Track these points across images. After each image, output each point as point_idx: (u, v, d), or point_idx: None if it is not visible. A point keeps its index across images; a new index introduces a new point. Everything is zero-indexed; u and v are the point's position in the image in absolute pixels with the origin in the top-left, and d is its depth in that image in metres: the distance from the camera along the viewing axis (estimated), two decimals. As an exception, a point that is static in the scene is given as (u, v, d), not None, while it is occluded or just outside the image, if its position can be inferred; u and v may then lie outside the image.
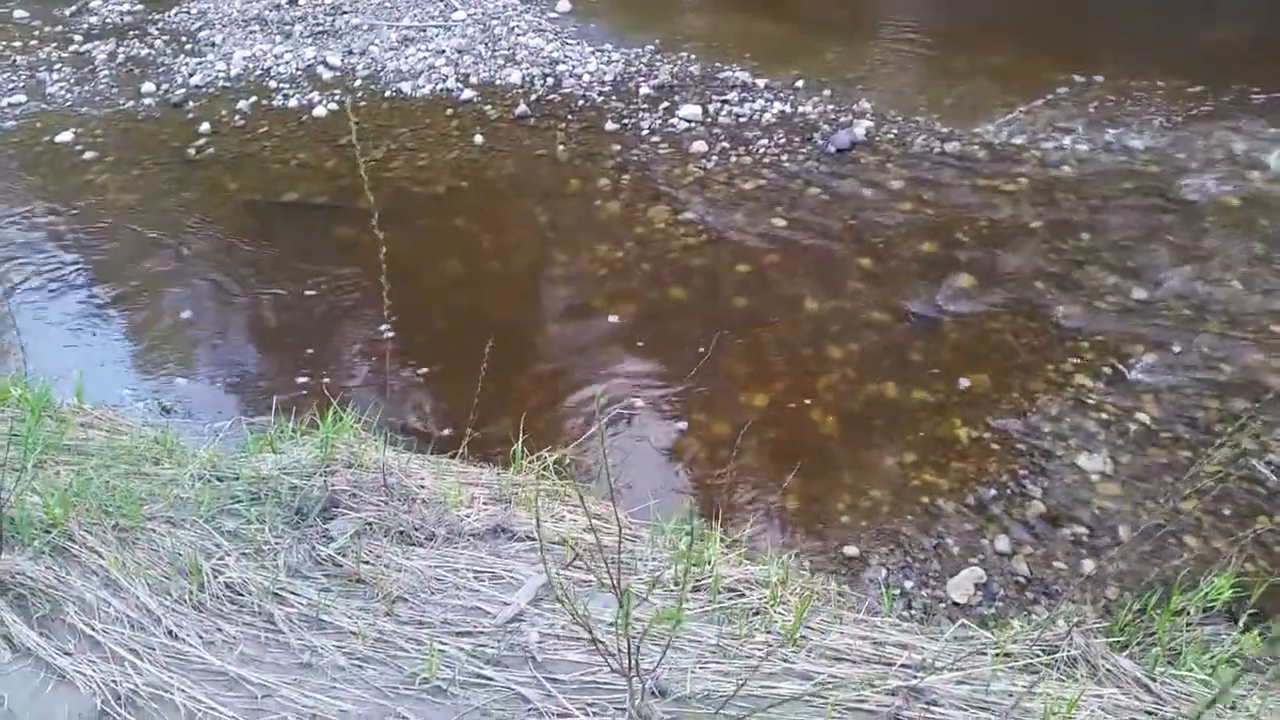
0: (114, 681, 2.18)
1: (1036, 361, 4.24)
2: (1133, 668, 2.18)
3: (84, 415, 3.44)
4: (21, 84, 7.56)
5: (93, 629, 2.33)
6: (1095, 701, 2.07)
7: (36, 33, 8.64)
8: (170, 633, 2.33)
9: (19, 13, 9.12)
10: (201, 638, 2.32)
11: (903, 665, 2.20)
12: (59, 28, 8.77)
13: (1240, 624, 2.29)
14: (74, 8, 9.20)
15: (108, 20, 8.93)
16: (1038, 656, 2.21)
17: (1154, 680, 2.15)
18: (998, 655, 2.22)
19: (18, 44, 8.38)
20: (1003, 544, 3.36)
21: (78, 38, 8.46)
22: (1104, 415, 3.92)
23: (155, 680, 2.19)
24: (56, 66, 7.87)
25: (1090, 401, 4.00)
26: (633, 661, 1.91)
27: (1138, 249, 4.98)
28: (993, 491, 3.59)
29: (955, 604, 3.08)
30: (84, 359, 4.26)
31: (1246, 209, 5.26)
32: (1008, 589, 3.17)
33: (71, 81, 7.57)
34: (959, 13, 8.52)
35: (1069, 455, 3.73)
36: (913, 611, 3.06)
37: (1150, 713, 2.07)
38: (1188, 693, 2.13)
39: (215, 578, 2.46)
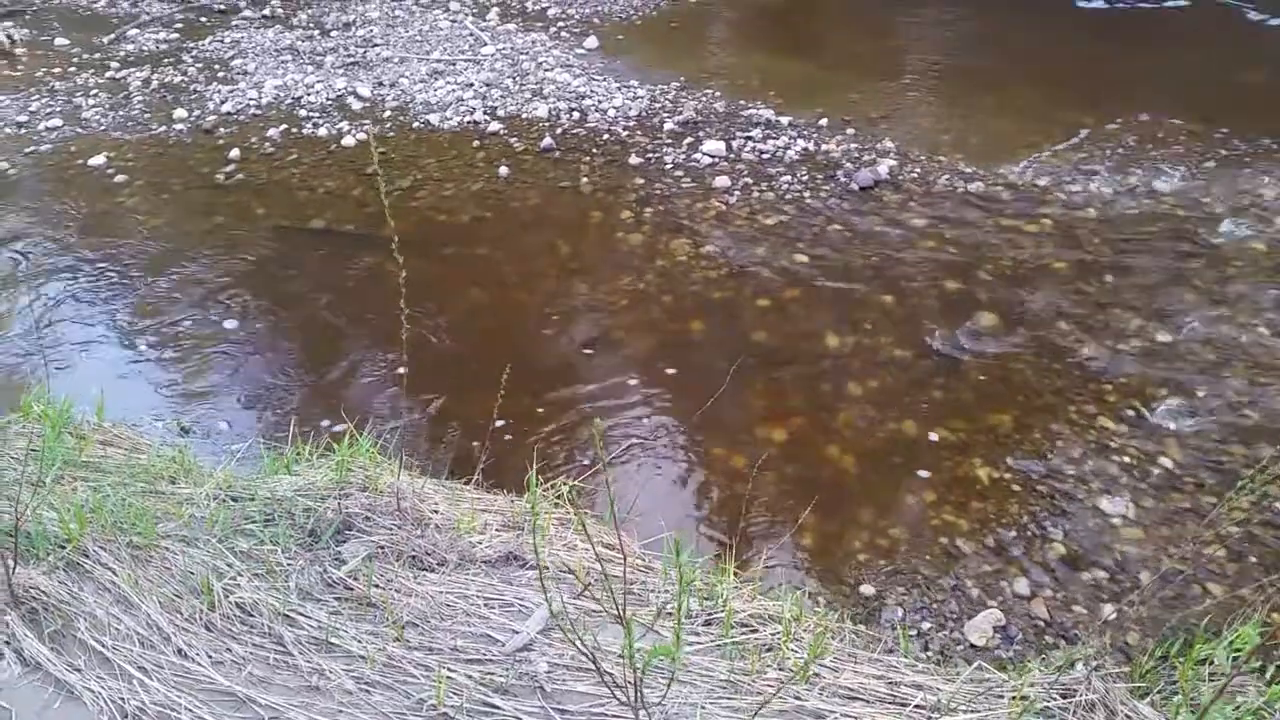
0: (122, 699, 2.18)
1: (1059, 403, 4.20)
2: (1153, 715, 2.13)
3: (103, 433, 3.47)
4: (59, 109, 7.71)
5: (103, 645, 2.33)
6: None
7: (75, 60, 8.83)
8: (180, 651, 2.33)
9: (59, 40, 9.33)
10: (211, 657, 2.32)
11: (917, 706, 2.16)
12: (97, 55, 8.96)
13: (1267, 675, 2.24)
14: (112, 35, 9.41)
15: (144, 48, 9.11)
16: (1055, 700, 2.16)
17: (1176, 729, 2.10)
18: (1014, 699, 2.17)
19: (57, 70, 8.56)
20: (1022, 586, 3.31)
21: (114, 64, 8.64)
22: (1126, 458, 3.87)
23: (163, 699, 2.19)
24: (93, 92, 8.03)
25: (1113, 444, 3.95)
26: (639, 694, 1.89)
27: (1162, 292, 4.94)
28: (1013, 533, 3.54)
29: (973, 646, 3.03)
30: (106, 378, 4.29)
31: (1273, 254, 5.21)
32: (1026, 632, 3.12)
33: (106, 107, 7.72)
34: (983, 53, 8.56)
35: (1090, 498, 3.68)
36: (929, 652, 3.01)
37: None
38: (1211, 744, 2.08)
39: (226, 597, 2.46)
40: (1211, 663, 2.23)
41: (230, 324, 4.97)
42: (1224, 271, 5.08)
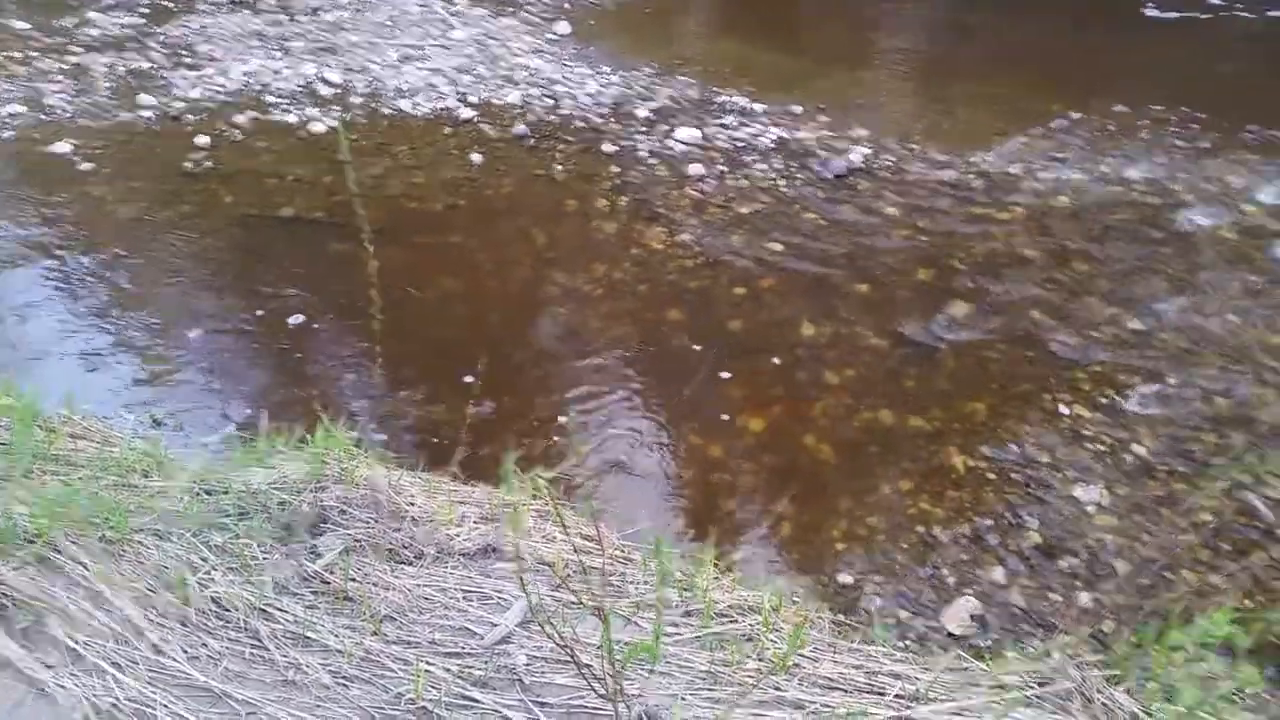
0: (95, 696, 2.14)
1: (1032, 391, 4.24)
2: (1128, 702, 2.15)
3: (74, 426, 3.41)
4: (20, 95, 7.54)
5: (75, 641, 2.29)
6: (1090, 735, 2.05)
7: (35, 44, 8.63)
8: (155, 647, 2.29)
9: (19, 24, 9.12)
10: (186, 652, 2.28)
11: (896, 695, 2.17)
12: (58, 39, 8.76)
13: (1238, 660, 2.26)
14: (74, 20, 9.21)
15: (107, 33, 8.93)
16: (1032, 689, 2.18)
17: (1150, 716, 2.12)
18: (992, 687, 2.19)
19: (17, 55, 8.37)
20: (998, 574, 3.34)
21: (77, 49, 8.46)
22: (1100, 447, 3.91)
23: (137, 695, 2.16)
24: (55, 78, 7.87)
25: (1086, 432, 3.99)
26: (618, 686, 1.88)
27: (1134, 280, 4.99)
28: (988, 521, 3.57)
29: (950, 634, 3.06)
30: (76, 370, 4.23)
31: (1243, 242, 5.28)
32: (1003, 620, 3.15)
33: (70, 93, 7.56)
34: (956, 42, 8.60)
35: (1065, 486, 3.72)
36: (907, 641, 3.03)
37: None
38: (1186, 729, 2.10)
39: (201, 592, 2.42)
40: (1186, 649, 2.26)
41: (201, 314, 4.90)
42: (1194, 259, 5.14)
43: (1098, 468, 3.80)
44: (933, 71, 7.87)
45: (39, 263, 5.37)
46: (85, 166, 6.40)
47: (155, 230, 5.71)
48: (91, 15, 9.28)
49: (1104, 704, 2.13)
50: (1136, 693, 2.20)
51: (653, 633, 1.68)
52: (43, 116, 7.17)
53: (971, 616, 3.12)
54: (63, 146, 6.63)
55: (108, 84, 7.72)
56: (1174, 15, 8.68)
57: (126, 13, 9.42)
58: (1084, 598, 3.18)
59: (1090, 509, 3.61)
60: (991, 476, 3.78)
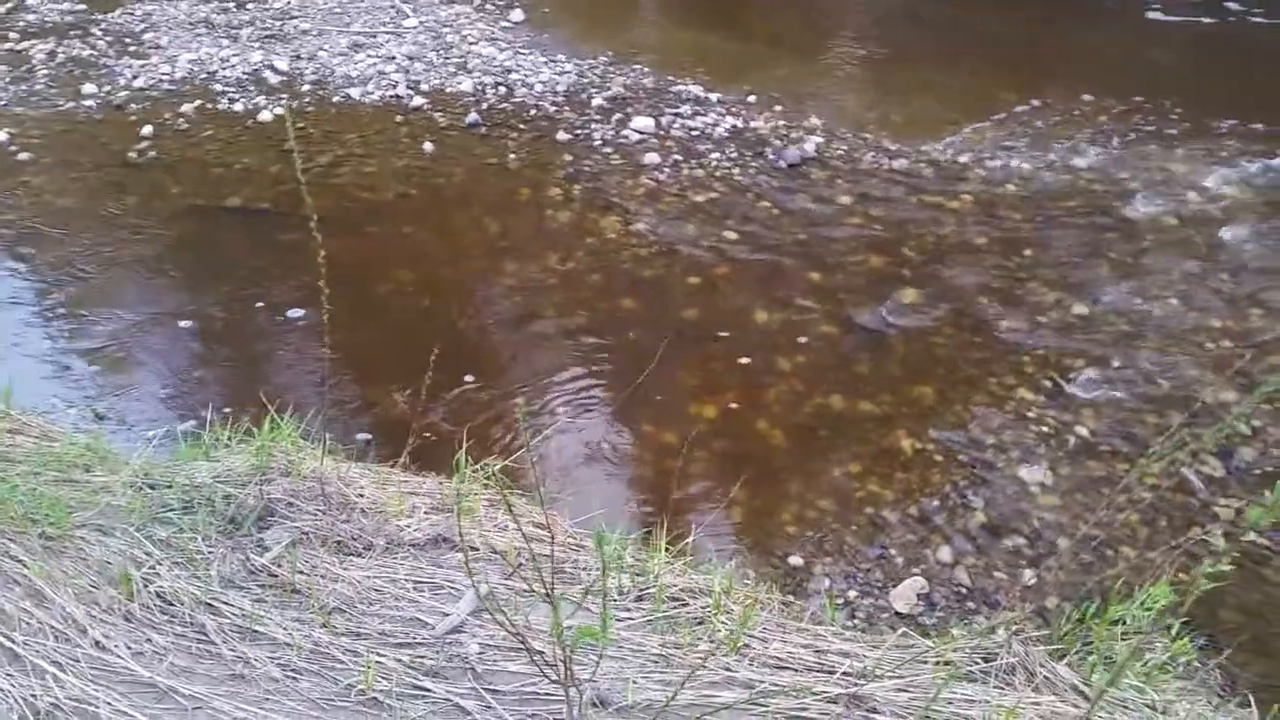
0: (34, 695, 2.10)
1: (979, 375, 4.30)
2: (1070, 675, 2.20)
3: (11, 421, 3.33)
4: (-46, 82, 7.35)
5: (13, 641, 2.24)
6: (1033, 709, 2.09)
7: (-30, 30, 8.40)
8: (97, 643, 2.25)
9: (-47, 10, 8.88)
10: (130, 648, 2.25)
11: (844, 673, 2.20)
12: (-5, 26, 8.54)
13: (1173, 632, 2.33)
14: (10, 5, 8.97)
15: (47, 19, 8.71)
16: (977, 664, 2.22)
17: (1090, 687, 2.17)
18: (938, 663, 2.23)
19: (-49, 41, 8.15)
20: (945, 554, 3.40)
21: (14, 35, 8.24)
22: (1044, 428, 3.99)
23: (79, 694, 2.12)
24: (-9, 65, 7.67)
25: (1031, 415, 4.07)
26: (569, 671, 1.89)
27: (1079, 266, 5.08)
28: (936, 502, 3.63)
29: (898, 613, 3.10)
30: (14, 365, 4.13)
31: (1184, 228, 5.40)
32: (949, 598, 3.20)
33: (7, 80, 7.37)
34: (908, 33, 8.67)
35: (1010, 467, 3.79)
36: (856, 620, 3.07)
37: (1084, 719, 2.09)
38: (1123, 699, 2.16)
39: (146, 587, 2.39)
40: (1124, 623, 2.31)
41: (144, 307, 4.82)
42: (1138, 245, 5.25)
43: (1042, 449, 3.88)
44: (887, 61, 7.93)
45: (-25, 256, 5.25)
46: (23, 156, 6.25)
47: (97, 221, 5.60)
48: (30, 1, 9.05)
49: (1046, 677, 2.18)
50: (1078, 666, 2.25)
51: (600, 617, 1.69)
52: (-22, 105, 6.99)
53: (919, 595, 3.17)
54: (0, 137, 6.47)
55: (47, 72, 7.54)
56: (1178, 19, 8.73)
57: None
58: (1028, 575, 3.25)
59: (1034, 489, 3.68)
60: (939, 459, 3.83)
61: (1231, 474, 3.74)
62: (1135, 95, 6.90)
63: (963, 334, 4.57)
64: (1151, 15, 8.59)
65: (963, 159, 6.17)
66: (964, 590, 3.24)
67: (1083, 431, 3.96)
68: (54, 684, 2.13)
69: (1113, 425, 4.00)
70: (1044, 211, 5.59)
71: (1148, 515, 3.51)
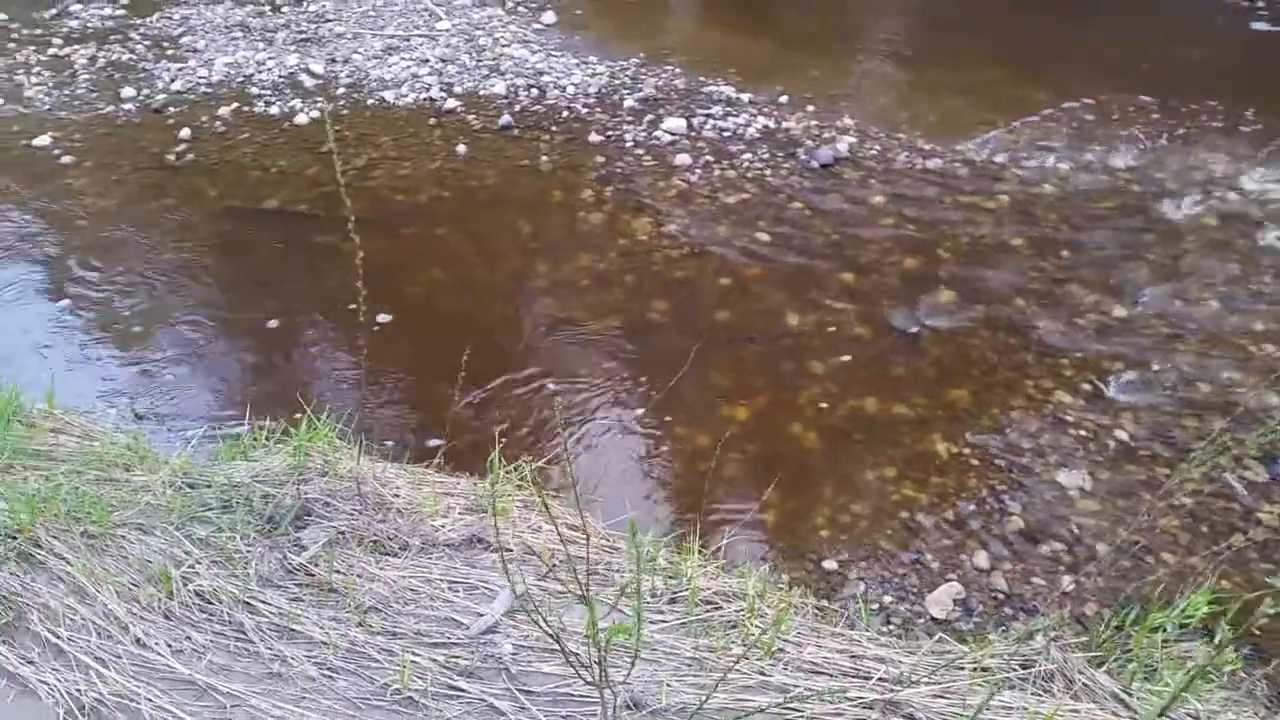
0: (78, 691, 2.14)
1: (1016, 378, 4.25)
2: (1109, 683, 2.17)
3: (54, 421, 3.39)
4: None
5: (58, 637, 2.28)
6: (1072, 716, 2.06)
7: (14, 36, 8.56)
8: (138, 641, 2.29)
9: (-1, 15, 9.05)
10: (170, 646, 2.28)
11: (880, 679, 2.18)
12: (38, 31, 8.69)
13: (1216, 640, 2.29)
14: (54, 11, 9.14)
15: (88, 24, 8.86)
16: (1015, 671, 2.20)
17: (1130, 695, 2.14)
18: (975, 670, 2.20)
19: (-3, 47, 8.31)
20: (981, 559, 3.36)
21: (57, 41, 8.39)
22: (1083, 432, 3.94)
23: (121, 689, 2.15)
24: (35, 70, 7.81)
25: (1069, 418, 4.01)
26: (603, 673, 1.89)
27: (1117, 267, 5.01)
28: (972, 507, 3.59)
29: (934, 619, 3.07)
30: (57, 364, 4.21)
31: (1224, 229, 5.31)
32: (986, 604, 3.17)
33: (50, 85, 7.51)
34: (941, 31, 8.59)
35: (1048, 472, 3.74)
36: (891, 626, 3.05)
37: (1127, 729, 2.06)
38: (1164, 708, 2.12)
39: (185, 585, 2.42)
40: (1164, 630, 2.28)
41: (183, 308, 4.88)
42: (1177, 246, 5.17)
43: (1080, 453, 3.83)
44: (920, 61, 7.87)
45: (19, 256, 5.34)
46: (66, 159, 6.36)
47: (138, 223, 5.68)
48: (73, 7, 9.21)
49: (1085, 684, 2.15)
50: (1117, 673, 2.22)
51: (633, 616, 1.69)
52: (22, 109, 7.12)
53: (955, 601, 3.13)
54: (43, 139, 6.58)
55: (88, 76, 7.67)
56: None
57: (108, 4, 9.34)
58: (1066, 581, 3.20)
59: (1073, 493, 3.63)
60: (975, 463, 3.79)
61: (1275, 479, 3.67)
62: (1173, 95, 6.80)
63: (999, 336, 4.52)
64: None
65: (998, 159, 6.11)
66: (1001, 596, 3.21)
67: (1122, 435, 3.91)
68: (97, 680, 2.17)
69: (1153, 429, 3.94)
70: (1082, 212, 5.52)
71: (1188, 521, 3.45)
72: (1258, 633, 2.50)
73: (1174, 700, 1.58)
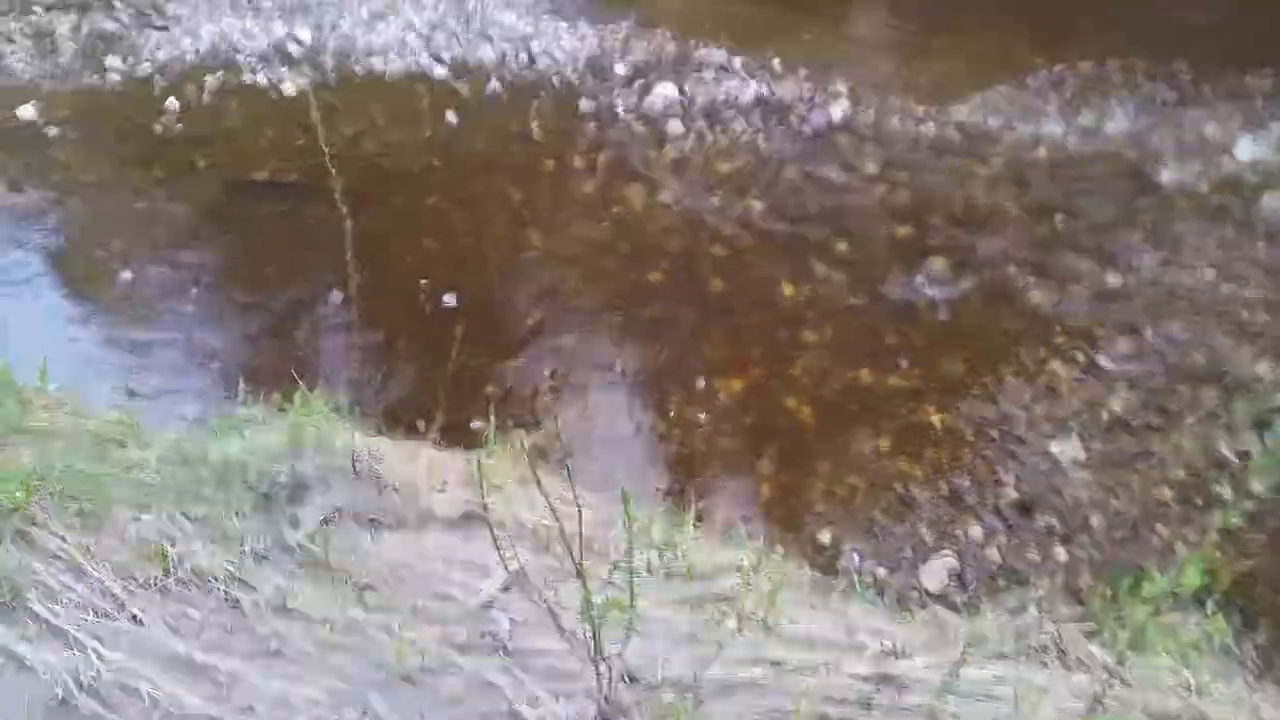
0: (76, 668, 2.14)
1: (1010, 347, 4.26)
2: (1102, 654, 2.19)
3: (47, 398, 3.37)
4: (-19, 57, 7.37)
5: (55, 615, 2.28)
6: (1065, 688, 2.08)
7: (-4, 4, 8.41)
8: (135, 618, 2.29)
9: (-23, -17, 8.88)
10: (167, 623, 2.29)
11: (875, 651, 2.20)
12: (19, -1, 8.54)
13: (1208, 610, 2.31)
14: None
15: (71, -9, 8.70)
16: (1008, 643, 2.22)
17: (1123, 666, 2.16)
18: (969, 641, 2.22)
19: (-24, 15, 8.16)
20: (975, 531, 3.38)
21: (38, 9, 8.24)
22: (1076, 402, 3.94)
23: (119, 666, 2.16)
24: (15, 39, 7.67)
25: (1063, 388, 4.02)
26: (598, 647, 1.90)
27: (1112, 234, 5.00)
28: (966, 479, 3.60)
29: (928, 591, 3.09)
30: (48, 341, 4.17)
31: (1218, 195, 5.29)
32: (980, 576, 3.19)
33: (32, 54, 7.39)
34: (936, -4, 8.50)
35: (1041, 442, 3.75)
36: (885, 598, 3.06)
37: (1119, 698, 2.08)
38: (1156, 678, 2.14)
39: (181, 563, 2.42)
40: (1157, 601, 2.29)
41: (174, 282, 4.85)
42: (1171, 212, 5.15)
43: (1074, 423, 3.84)
44: (914, 24, 7.77)
45: (5, 231, 5.28)
46: (51, 130, 6.28)
47: (126, 195, 5.62)
48: (53, -27, 9.04)
49: (1078, 657, 2.17)
50: (1111, 644, 2.24)
51: (626, 588, 1.69)
52: (5, 79, 7.01)
53: (949, 573, 3.16)
54: (28, 110, 6.49)
55: (72, 45, 7.54)
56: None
57: (90, -30, 9.16)
58: (1060, 553, 3.23)
59: (1066, 465, 3.65)
60: (969, 434, 3.81)
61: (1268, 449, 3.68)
62: (1168, 57, 6.74)
63: (993, 305, 4.51)
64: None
65: (992, 123, 6.07)
66: (995, 568, 3.23)
67: (1115, 405, 3.92)
68: (95, 657, 2.17)
69: (1146, 398, 3.95)
70: (1075, 178, 5.49)
71: (1181, 491, 3.47)
72: (1236, 576, 2.52)
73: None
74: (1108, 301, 4.52)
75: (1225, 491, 3.47)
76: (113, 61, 7.19)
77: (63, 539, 2.49)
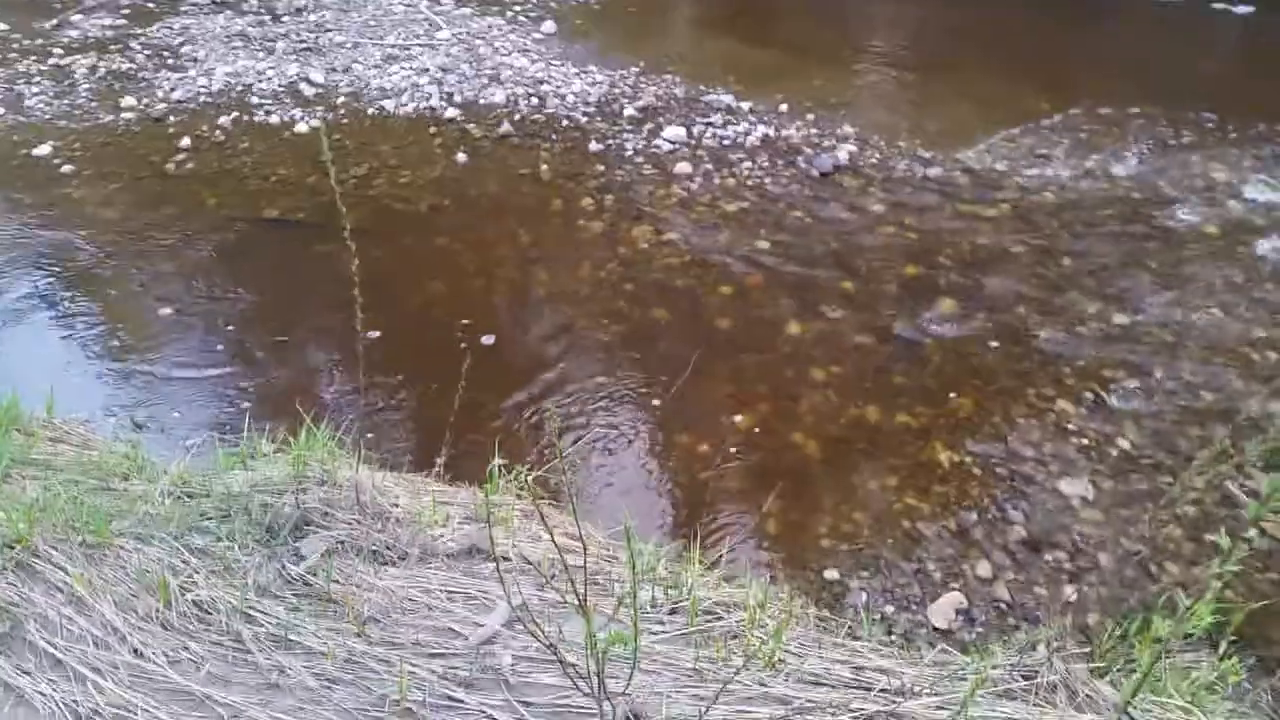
0: (75, 701, 2.12)
1: (1018, 386, 4.24)
2: (1112, 694, 2.15)
3: (53, 430, 3.38)
4: (0, 96, 7.50)
5: (55, 647, 2.27)
6: (1075, 728, 2.05)
7: (15, 45, 8.58)
8: (136, 651, 2.27)
9: (-1, 25, 9.07)
10: (168, 656, 2.26)
11: (881, 690, 2.16)
12: (39, 41, 8.71)
13: (1220, 651, 2.27)
14: (55, 21, 9.16)
15: (89, 34, 8.88)
16: (1017, 682, 2.18)
17: (1133, 708, 2.12)
18: (977, 680, 2.19)
19: (-2, 56, 8.32)
20: (984, 569, 3.34)
21: (58, 51, 8.41)
22: (1085, 441, 3.92)
23: (118, 700, 2.13)
24: (35, 79, 7.82)
25: (1071, 427, 4.00)
26: (602, 684, 1.87)
27: (1119, 275, 5.01)
28: (974, 516, 3.57)
29: (936, 629, 3.06)
30: (56, 373, 4.19)
31: (1226, 237, 5.30)
32: (989, 614, 3.15)
33: (51, 95, 7.52)
34: (941, 39, 8.61)
35: (1050, 481, 3.73)
36: (893, 636, 3.03)
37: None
38: (1167, 719, 2.11)
39: (183, 595, 2.40)
40: (1168, 641, 2.26)
41: (182, 317, 4.87)
42: (1179, 254, 5.16)
43: (1083, 462, 3.81)
44: (920, 69, 7.88)
45: (19, 266, 5.33)
46: (66, 169, 6.36)
47: (137, 232, 5.67)
48: (73, 17, 9.23)
49: (1088, 696, 2.13)
50: (1120, 685, 2.20)
51: (631, 624, 1.67)
52: (23, 118, 7.12)
53: (957, 611, 3.12)
54: (43, 149, 6.59)
55: (89, 85, 7.68)
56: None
57: (108, 14, 9.36)
58: (1069, 591, 3.19)
59: (1075, 503, 3.62)
60: (977, 472, 3.78)
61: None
62: (1175, 101, 6.80)
63: (1000, 344, 4.51)
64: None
65: (999, 167, 6.11)
66: (1004, 606, 3.19)
67: (1124, 444, 3.90)
68: (94, 690, 2.15)
69: (1155, 437, 3.93)
70: (1083, 220, 5.51)
71: (1191, 530, 3.44)
72: (1250, 616, 2.48)
73: (1140, 685, 1.56)
74: (1116, 341, 4.52)
75: (1237, 531, 3.44)
76: (128, 101, 7.31)
77: (65, 571, 2.48)
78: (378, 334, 4.50)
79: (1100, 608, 3.08)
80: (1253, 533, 1.35)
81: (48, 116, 7.15)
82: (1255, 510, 1.41)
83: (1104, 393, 4.18)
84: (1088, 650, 2.33)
